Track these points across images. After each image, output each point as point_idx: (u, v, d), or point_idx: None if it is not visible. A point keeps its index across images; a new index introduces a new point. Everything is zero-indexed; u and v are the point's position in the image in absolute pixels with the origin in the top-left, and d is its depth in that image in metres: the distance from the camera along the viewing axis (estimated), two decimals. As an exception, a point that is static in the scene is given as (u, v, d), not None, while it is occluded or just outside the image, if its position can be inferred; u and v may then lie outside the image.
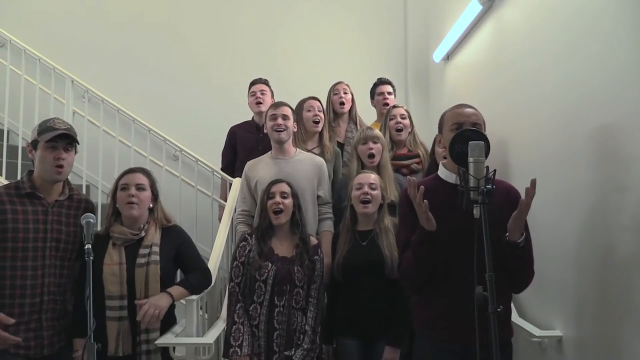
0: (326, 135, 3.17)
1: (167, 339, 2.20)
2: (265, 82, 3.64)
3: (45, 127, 2.16)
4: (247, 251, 2.41)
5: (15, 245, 2.06)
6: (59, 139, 2.14)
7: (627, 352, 1.78)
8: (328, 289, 2.50)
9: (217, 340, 2.52)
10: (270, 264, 2.35)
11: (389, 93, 3.60)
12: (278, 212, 2.41)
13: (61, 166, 2.14)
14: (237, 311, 2.33)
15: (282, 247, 2.43)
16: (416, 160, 3.10)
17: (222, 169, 3.80)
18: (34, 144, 2.18)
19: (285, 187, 2.47)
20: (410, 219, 1.82)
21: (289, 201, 2.44)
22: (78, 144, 2.24)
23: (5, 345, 2.00)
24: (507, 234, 1.70)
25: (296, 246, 2.42)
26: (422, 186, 1.69)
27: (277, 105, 2.89)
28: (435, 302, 1.83)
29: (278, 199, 2.43)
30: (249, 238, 2.46)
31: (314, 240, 2.50)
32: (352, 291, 2.40)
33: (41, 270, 2.09)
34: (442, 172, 1.90)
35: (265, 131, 2.95)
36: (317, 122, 3.13)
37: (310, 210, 2.72)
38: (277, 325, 2.31)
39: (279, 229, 2.46)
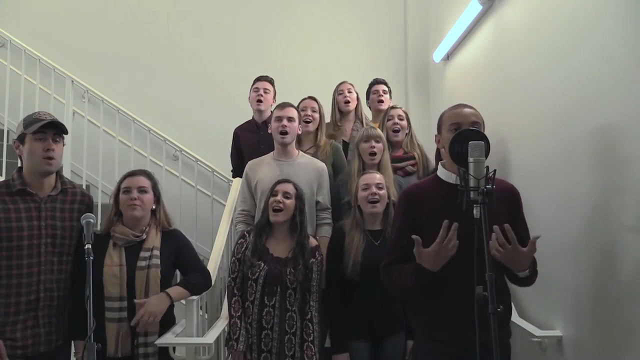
0: (321, 136, 3.14)
1: (167, 339, 2.20)
2: (271, 81, 3.58)
3: (30, 120, 2.13)
4: (243, 248, 2.43)
5: (10, 245, 2.04)
6: (47, 129, 2.11)
7: (627, 352, 1.77)
8: (329, 292, 2.46)
9: (217, 340, 2.52)
10: (262, 264, 2.36)
11: (384, 92, 3.58)
12: (277, 210, 2.41)
13: (51, 157, 2.11)
14: (233, 305, 2.37)
15: (279, 248, 2.42)
16: (411, 162, 3.08)
17: (232, 172, 3.69)
18: (20, 139, 2.14)
19: (289, 188, 2.46)
20: (402, 219, 1.87)
21: (290, 202, 2.43)
22: (66, 133, 2.20)
23: None
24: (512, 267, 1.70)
25: (293, 249, 2.41)
26: (418, 238, 1.66)
27: (283, 106, 2.84)
28: (434, 304, 1.82)
29: (280, 197, 2.42)
30: (247, 235, 2.47)
31: (313, 242, 2.48)
32: (366, 291, 2.37)
33: (37, 267, 2.08)
34: (442, 173, 1.88)
35: (269, 131, 2.94)
36: (308, 122, 3.10)
37: (306, 214, 2.70)
38: (265, 325, 2.32)
39: (278, 229, 2.45)
